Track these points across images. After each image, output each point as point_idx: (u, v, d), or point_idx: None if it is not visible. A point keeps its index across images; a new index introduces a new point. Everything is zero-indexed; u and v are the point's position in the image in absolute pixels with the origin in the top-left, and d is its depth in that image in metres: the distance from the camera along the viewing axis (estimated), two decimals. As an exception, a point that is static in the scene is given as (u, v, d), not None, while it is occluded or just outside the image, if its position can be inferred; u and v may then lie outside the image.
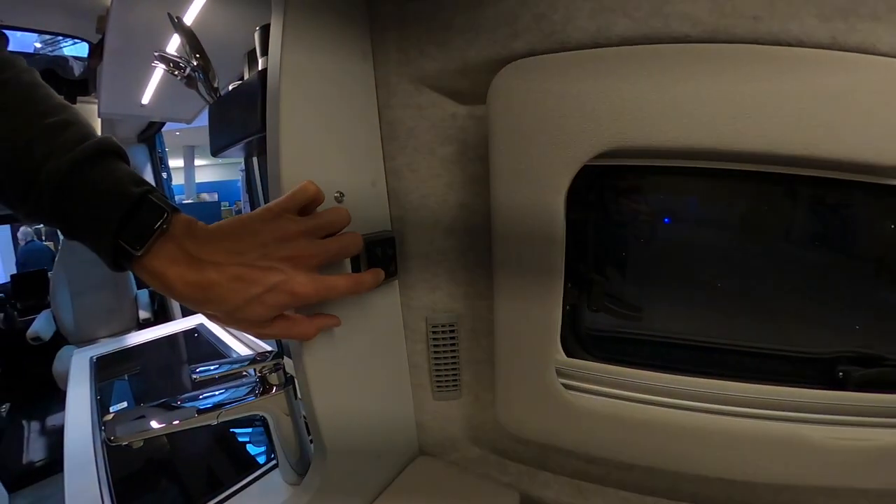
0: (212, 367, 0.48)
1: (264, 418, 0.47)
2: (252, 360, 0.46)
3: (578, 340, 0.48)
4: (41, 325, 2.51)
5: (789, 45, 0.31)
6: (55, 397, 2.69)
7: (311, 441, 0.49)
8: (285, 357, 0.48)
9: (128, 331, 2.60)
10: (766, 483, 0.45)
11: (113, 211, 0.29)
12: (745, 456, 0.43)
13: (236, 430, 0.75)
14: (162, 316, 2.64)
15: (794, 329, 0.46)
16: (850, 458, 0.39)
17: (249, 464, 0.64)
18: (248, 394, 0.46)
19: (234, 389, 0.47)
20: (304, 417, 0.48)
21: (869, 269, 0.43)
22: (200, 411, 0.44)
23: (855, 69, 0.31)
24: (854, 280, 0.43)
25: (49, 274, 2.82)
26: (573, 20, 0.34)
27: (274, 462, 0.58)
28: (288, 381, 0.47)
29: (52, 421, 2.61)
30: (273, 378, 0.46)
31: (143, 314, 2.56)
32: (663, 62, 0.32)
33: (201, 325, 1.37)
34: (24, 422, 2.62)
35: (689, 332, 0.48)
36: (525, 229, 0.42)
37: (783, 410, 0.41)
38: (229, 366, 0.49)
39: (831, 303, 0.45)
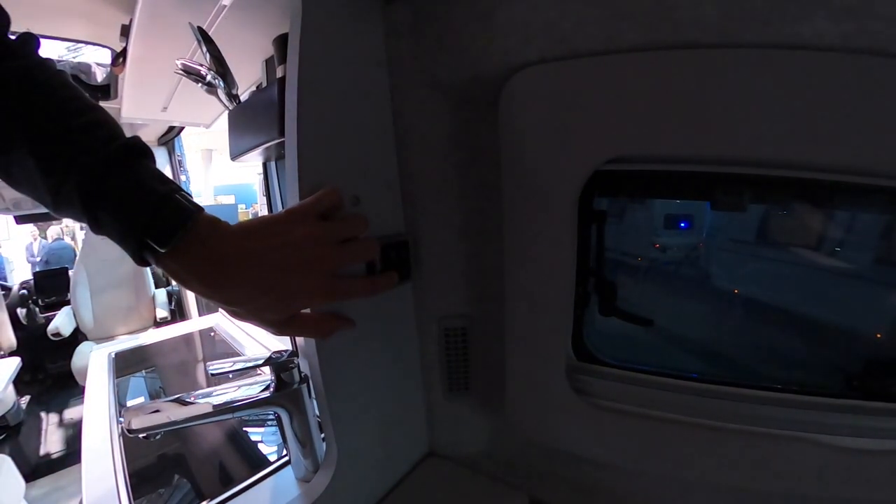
0: (228, 364, 0.50)
1: (278, 416, 0.48)
2: (268, 359, 0.48)
3: (590, 345, 0.48)
4: (62, 322, 2.59)
5: (800, 48, 0.31)
6: (73, 392, 2.77)
7: (324, 439, 0.50)
8: (300, 356, 0.49)
9: (145, 329, 2.67)
10: (780, 494, 0.45)
11: (140, 209, 0.30)
12: (759, 464, 0.42)
13: (248, 430, 0.77)
14: (179, 315, 2.70)
15: (811, 336, 0.46)
16: (866, 468, 0.39)
17: (261, 461, 0.65)
18: (262, 391, 0.47)
19: (247, 387, 0.48)
20: (317, 416, 0.49)
21: (886, 274, 0.42)
22: (217, 406, 0.45)
23: (867, 72, 0.30)
24: (872, 286, 0.43)
25: (70, 272, 2.91)
26: (583, 27, 0.34)
27: (286, 458, 0.59)
28: (302, 380, 0.48)
29: (69, 414, 2.68)
30: (287, 376, 0.47)
31: (161, 313, 2.62)
32: (673, 68, 0.33)
33: (217, 324, 1.39)
34: (42, 414, 2.70)
35: (702, 339, 0.47)
36: (537, 233, 0.43)
37: (799, 419, 0.41)
38: (245, 363, 0.51)
39: (847, 309, 0.44)
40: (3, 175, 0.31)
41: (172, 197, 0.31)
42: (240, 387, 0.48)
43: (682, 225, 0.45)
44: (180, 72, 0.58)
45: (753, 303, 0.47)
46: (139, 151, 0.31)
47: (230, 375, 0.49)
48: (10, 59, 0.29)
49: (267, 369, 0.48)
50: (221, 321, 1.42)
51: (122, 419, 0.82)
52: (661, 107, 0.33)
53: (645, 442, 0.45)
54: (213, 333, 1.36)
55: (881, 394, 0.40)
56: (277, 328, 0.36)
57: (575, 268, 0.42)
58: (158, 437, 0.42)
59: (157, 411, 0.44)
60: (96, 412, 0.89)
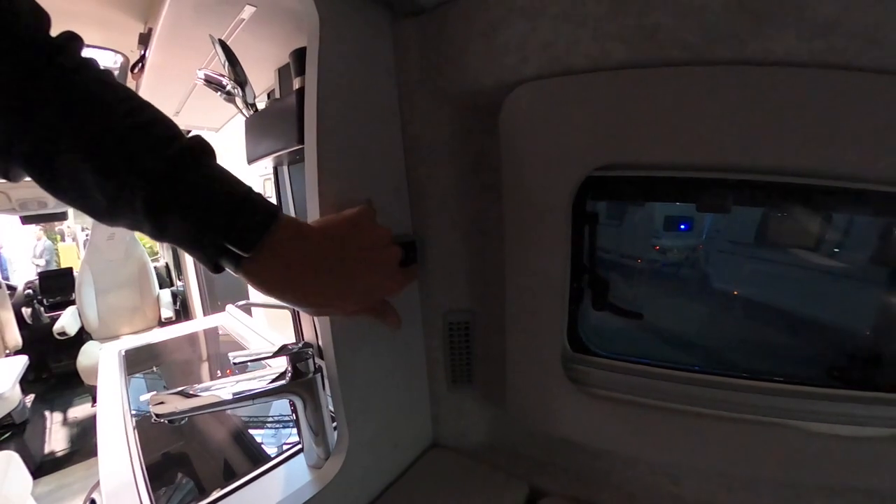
0: (248, 355, 0.53)
1: (293, 403, 0.51)
2: (284, 349, 0.51)
3: (584, 337, 0.51)
4: (67, 321, 2.62)
5: (773, 64, 0.34)
6: (77, 390, 2.80)
7: (335, 428, 0.53)
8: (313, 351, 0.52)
9: (149, 328, 2.70)
10: (765, 479, 0.47)
11: (218, 211, 0.27)
12: (744, 450, 0.45)
13: (252, 431, 0.79)
14: (184, 315, 2.73)
15: (793, 329, 0.49)
16: (845, 454, 0.41)
17: (263, 457, 0.68)
18: (271, 382, 0.50)
19: (258, 379, 0.51)
20: (331, 410, 0.52)
21: (862, 271, 0.45)
22: (236, 394, 0.48)
23: (834, 85, 0.33)
24: (851, 283, 0.46)
25: (75, 272, 2.94)
26: (576, 47, 0.38)
27: (298, 447, 0.62)
28: (316, 370, 0.51)
29: (73, 413, 2.70)
30: (303, 366, 0.50)
31: (166, 313, 2.65)
32: (657, 85, 0.36)
33: (223, 324, 1.43)
34: (46, 413, 2.72)
35: (690, 331, 0.51)
36: (534, 233, 0.46)
37: (782, 407, 0.44)
38: (264, 354, 0.54)
39: (828, 303, 0.47)
40: (44, 183, 0.28)
41: (251, 197, 0.29)
42: (251, 379, 0.51)
43: (682, 227, 0.48)
44: (200, 81, 0.62)
45: (739, 298, 0.50)
46: (204, 150, 0.29)
47: (251, 362, 0.52)
48: (58, 56, 0.26)
49: (274, 364, 0.51)
50: (227, 320, 1.45)
51: (135, 413, 0.85)
52: (647, 119, 0.37)
53: (636, 428, 0.48)
54: (219, 332, 1.39)
55: (859, 383, 0.43)
56: (351, 314, 0.39)
57: (569, 265, 0.46)
58: (184, 421, 0.45)
59: (181, 398, 0.47)
60: (110, 407, 0.92)
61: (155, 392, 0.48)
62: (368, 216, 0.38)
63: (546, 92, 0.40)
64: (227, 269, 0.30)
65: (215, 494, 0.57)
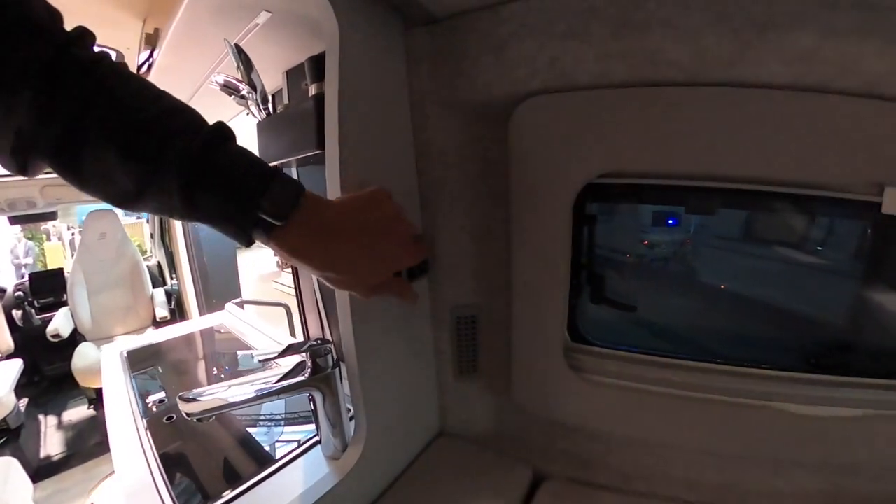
0: (271, 353, 0.55)
1: (312, 397, 0.54)
2: (300, 346, 0.53)
3: (583, 328, 0.55)
4: (61, 322, 2.58)
5: (758, 87, 0.37)
6: (71, 393, 2.76)
7: (352, 419, 0.55)
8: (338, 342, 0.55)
9: (143, 329, 2.68)
10: (750, 457, 0.51)
11: (251, 184, 0.29)
12: (731, 430, 0.49)
13: (251, 430, 0.81)
14: (179, 314, 2.71)
15: (775, 319, 0.53)
16: (823, 432, 0.45)
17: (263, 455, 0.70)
18: (280, 379, 0.52)
19: (264, 380, 0.53)
20: (348, 406, 0.54)
21: (838, 269, 0.50)
22: (259, 391, 0.51)
23: (811, 106, 0.37)
24: (828, 278, 0.50)
25: (66, 272, 2.90)
26: (581, 64, 0.41)
27: (315, 439, 0.64)
28: (334, 365, 0.54)
29: (68, 416, 2.67)
30: (323, 361, 0.53)
31: (161, 312, 2.63)
32: (653, 102, 0.40)
33: (222, 323, 1.44)
34: (41, 417, 2.68)
35: (679, 322, 0.55)
36: (538, 234, 0.50)
37: (767, 390, 0.47)
38: (282, 352, 0.56)
39: (806, 296, 0.51)
40: (68, 174, 0.29)
41: (278, 174, 0.31)
42: (267, 377, 0.53)
43: (670, 222, 0.52)
44: (216, 86, 0.63)
45: (726, 292, 0.54)
46: (229, 133, 0.31)
47: (275, 359, 0.54)
48: (73, 48, 0.27)
49: (282, 362, 0.53)
50: (227, 318, 1.46)
51: (143, 415, 0.86)
52: (644, 133, 0.40)
53: (631, 412, 0.52)
54: (219, 330, 1.40)
55: (834, 368, 0.47)
56: (371, 291, 0.39)
57: (569, 263, 0.49)
58: (212, 419, 0.47)
59: (207, 397, 0.49)
60: (118, 406, 0.93)
61: (181, 394, 0.49)
62: (383, 193, 0.40)
63: (553, 105, 0.43)
64: (258, 240, 0.32)
65: (237, 489, 0.59)
